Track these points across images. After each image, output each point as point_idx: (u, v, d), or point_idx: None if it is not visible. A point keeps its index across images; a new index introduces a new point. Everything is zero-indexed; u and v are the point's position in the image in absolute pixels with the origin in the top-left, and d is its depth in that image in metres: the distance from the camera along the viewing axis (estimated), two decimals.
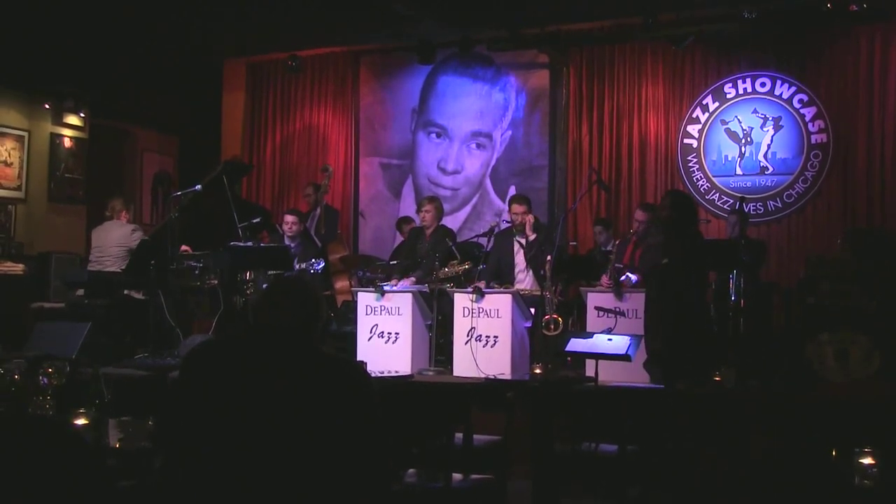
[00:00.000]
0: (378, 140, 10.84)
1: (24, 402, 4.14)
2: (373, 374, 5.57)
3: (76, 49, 9.71)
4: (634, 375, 6.09)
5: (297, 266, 7.67)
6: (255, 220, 7.99)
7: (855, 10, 8.17)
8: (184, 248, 7.89)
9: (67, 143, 10.85)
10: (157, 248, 7.47)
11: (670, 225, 6.36)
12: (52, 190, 10.68)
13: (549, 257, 6.88)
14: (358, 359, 6.65)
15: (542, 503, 5.04)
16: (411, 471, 4.50)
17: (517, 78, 10.20)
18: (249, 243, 7.74)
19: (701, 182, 9.34)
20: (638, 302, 6.51)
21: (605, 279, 7.03)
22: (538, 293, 7.06)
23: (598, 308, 6.72)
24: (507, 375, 6.52)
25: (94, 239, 8.27)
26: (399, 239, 9.70)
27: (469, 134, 10.39)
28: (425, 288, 7.21)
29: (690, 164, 9.41)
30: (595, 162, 9.61)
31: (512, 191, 9.71)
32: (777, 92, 9.12)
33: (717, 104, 9.34)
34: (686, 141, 9.44)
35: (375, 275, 8.32)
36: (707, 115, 9.37)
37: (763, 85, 9.18)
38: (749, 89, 9.24)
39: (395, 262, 8.20)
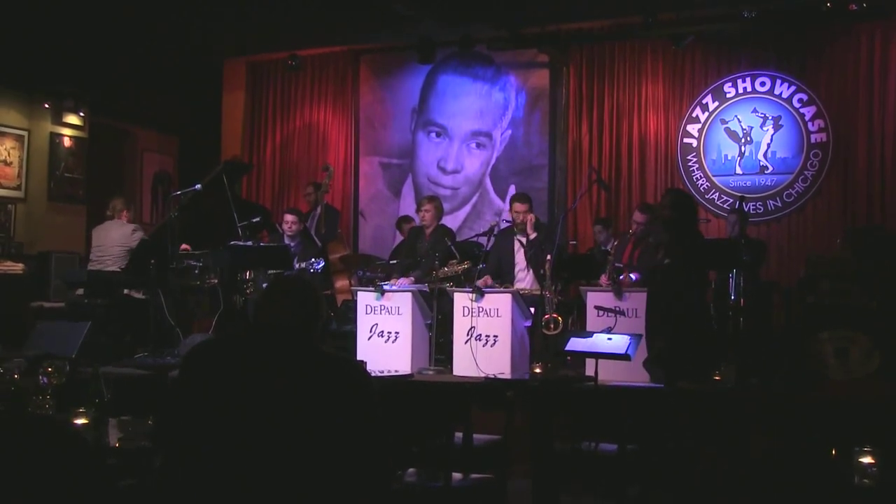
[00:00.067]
0: (378, 139, 10.84)
1: (24, 401, 4.14)
2: (372, 374, 5.57)
3: (76, 49, 9.71)
4: (634, 375, 6.08)
5: (297, 265, 7.67)
6: (254, 220, 7.99)
7: (854, 10, 8.17)
8: (183, 246, 7.89)
9: (67, 142, 10.85)
10: (157, 247, 7.47)
11: (671, 225, 6.36)
12: (52, 189, 10.68)
13: (548, 256, 6.88)
14: (358, 358, 6.64)
15: (542, 502, 5.05)
16: (411, 470, 4.49)
17: (517, 77, 10.20)
18: (249, 243, 7.75)
19: (701, 181, 9.35)
20: (637, 301, 6.50)
21: (603, 279, 7.03)
22: (538, 292, 7.05)
23: (597, 307, 6.71)
24: (507, 375, 6.52)
25: (95, 238, 8.26)
26: (399, 238, 9.70)
27: (469, 133, 10.39)
28: (425, 287, 7.20)
29: (690, 164, 9.41)
30: (595, 161, 9.62)
31: (512, 190, 9.71)
32: (777, 91, 9.12)
33: (716, 103, 9.34)
34: (686, 140, 9.45)
35: (375, 274, 8.32)
36: (707, 114, 9.37)
37: (763, 84, 9.18)
38: (749, 88, 9.24)
39: (394, 261, 8.20)
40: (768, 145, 9.12)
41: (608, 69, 9.74)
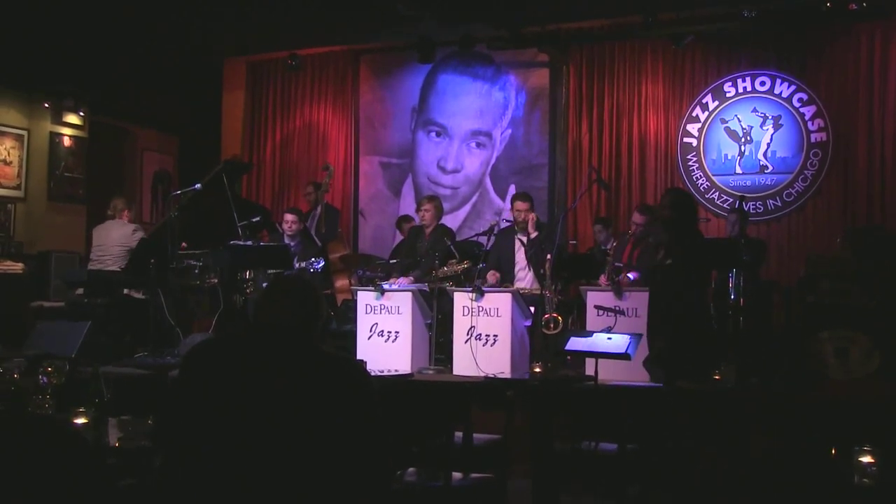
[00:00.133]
0: (378, 139, 10.84)
1: (24, 401, 4.13)
2: (372, 373, 5.57)
3: (76, 49, 9.71)
4: (634, 374, 6.08)
5: (297, 265, 7.67)
6: (254, 219, 7.98)
7: (854, 9, 8.16)
8: (183, 245, 7.88)
9: (67, 142, 10.85)
10: (157, 247, 7.47)
11: (671, 224, 6.35)
12: (52, 189, 10.68)
13: (548, 256, 6.88)
14: (358, 357, 6.64)
15: (542, 502, 5.04)
16: (411, 470, 4.49)
17: (517, 77, 10.20)
18: (249, 242, 7.74)
19: (701, 181, 9.35)
20: (637, 301, 6.50)
21: (603, 279, 7.03)
22: (538, 292, 7.05)
23: (597, 307, 6.71)
24: (507, 374, 6.52)
25: (96, 238, 8.26)
26: (399, 238, 9.70)
27: (469, 133, 10.39)
28: (425, 287, 7.20)
29: (690, 163, 9.41)
30: (595, 161, 9.62)
31: (512, 189, 9.70)
32: (777, 91, 9.12)
33: (716, 103, 9.34)
34: (686, 140, 9.45)
35: (375, 273, 8.32)
36: (707, 113, 9.37)
37: (763, 84, 9.18)
38: (749, 88, 9.24)
39: (394, 260, 8.20)
40: (768, 145, 9.13)
41: (608, 69, 9.74)
